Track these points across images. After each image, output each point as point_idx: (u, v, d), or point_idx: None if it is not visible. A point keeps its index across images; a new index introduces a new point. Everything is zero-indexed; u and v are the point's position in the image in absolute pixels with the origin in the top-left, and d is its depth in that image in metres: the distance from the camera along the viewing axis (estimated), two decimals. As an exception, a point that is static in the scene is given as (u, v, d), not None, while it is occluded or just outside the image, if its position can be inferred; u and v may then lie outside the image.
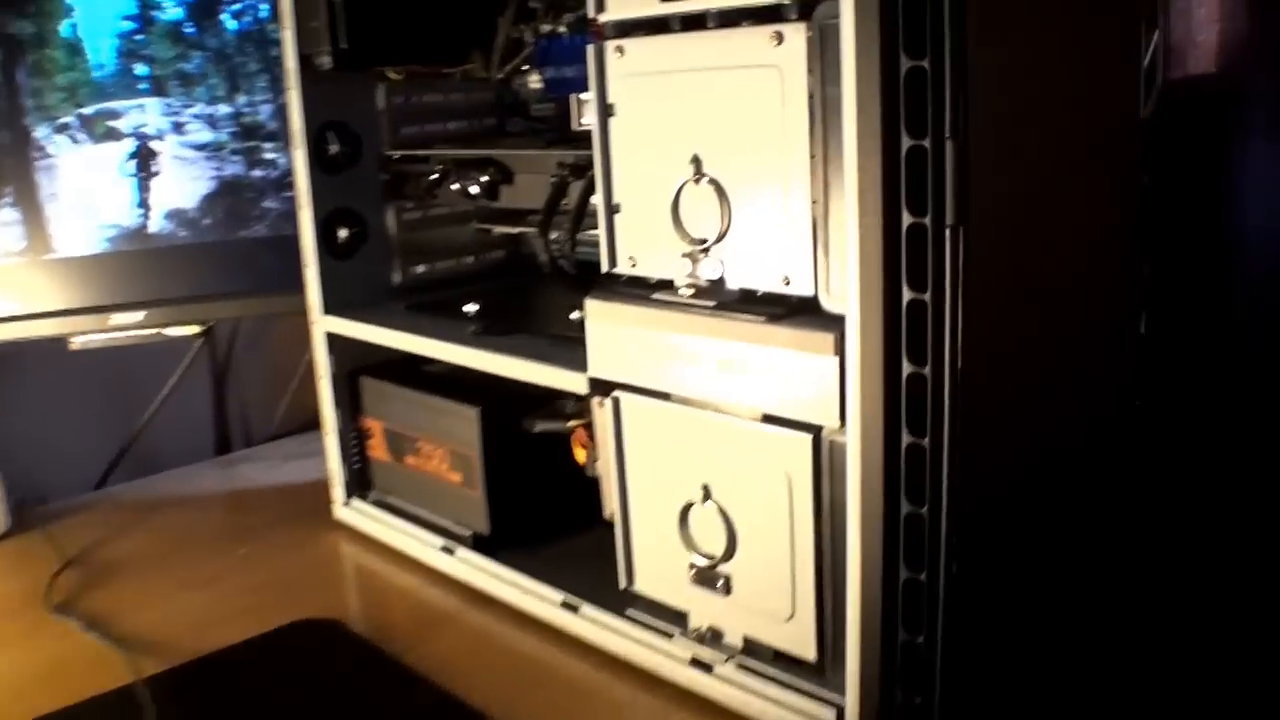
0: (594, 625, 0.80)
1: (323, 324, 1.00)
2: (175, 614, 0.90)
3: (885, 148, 0.52)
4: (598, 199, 0.71)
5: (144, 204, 1.11)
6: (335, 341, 1.00)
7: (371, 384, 1.01)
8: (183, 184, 1.11)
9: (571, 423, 0.80)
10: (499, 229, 1.08)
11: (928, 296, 0.53)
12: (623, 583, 0.77)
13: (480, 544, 0.92)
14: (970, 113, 0.51)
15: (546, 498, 0.94)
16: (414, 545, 0.97)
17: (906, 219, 0.52)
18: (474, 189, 0.90)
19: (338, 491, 1.05)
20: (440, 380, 0.97)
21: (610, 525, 0.77)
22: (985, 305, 0.54)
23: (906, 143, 0.52)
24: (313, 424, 1.39)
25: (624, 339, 0.71)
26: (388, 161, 1.02)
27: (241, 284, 1.12)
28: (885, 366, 0.54)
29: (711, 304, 0.65)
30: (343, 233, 1.01)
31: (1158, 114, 0.64)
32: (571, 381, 0.76)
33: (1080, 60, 0.63)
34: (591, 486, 0.80)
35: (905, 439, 0.55)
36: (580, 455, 0.82)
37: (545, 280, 1.08)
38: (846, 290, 0.55)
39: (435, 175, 0.94)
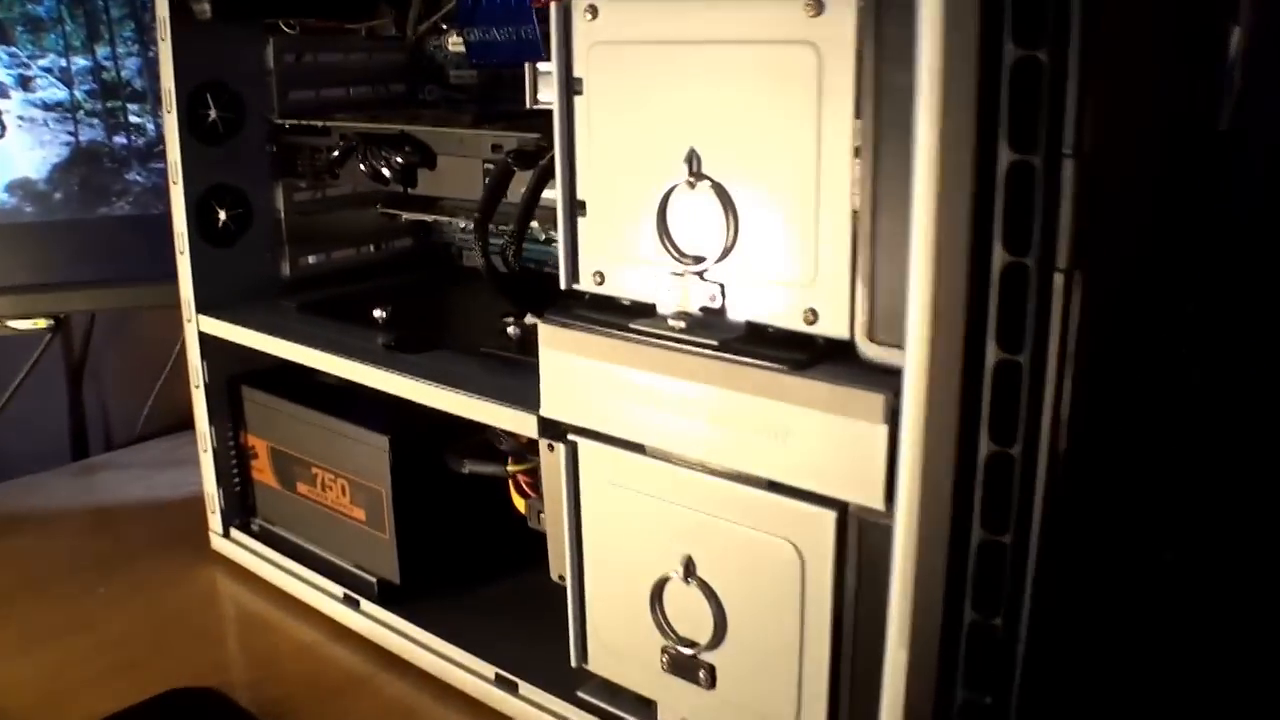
0: (535, 709, 0.66)
1: (198, 324, 0.83)
2: (12, 679, 0.74)
3: (978, 162, 0.39)
4: (556, 195, 0.57)
5: (-22, 173, 0.92)
6: (212, 344, 0.84)
7: (255, 396, 0.85)
8: (29, 150, 0.92)
9: (512, 467, 0.66)
10: (408, 215, 0.92)
11: (1024, 358, 0.40)
12: (573, 659, 0.63)
13: (388, 594, 0.77)
14: (1098, 122, 0.38)
15: (468, 541, 0.80)
16: (309, 593, 0.81)
17: (1001, 257, 0.39)
18: (386, 171, 0.74)
19: (215, 520, 0.89)
20: (339, 396, 0.82)
21: (550, 582, 0.62)
22: (1095, 370, 0.41)
23: (1008, 157, 0.39)
24: (182, 425, 1.22)
25: (588, 375, 0.57)
26: (277, 131, 0.86)
27: (100, 271, 0.94)
28: (959, 443, 0.41)
29: (712, 343, 0.51)
30: (222, 215, 0.85)
31: (1236, 124, 0.52)
32: (517, 422, 0.61)
33: (1161, 59, 0.51)
34: (526, 530, 0.67)
35: (978, 534, 0.42)
36: (519, 504, 0.68)
37: (464, 280, 0.94)
38: (907, 340, 0.42)
39: (337, 152, 0.78)
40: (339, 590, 0.79)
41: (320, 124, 0.80)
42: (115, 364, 1.18)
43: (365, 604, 0.77)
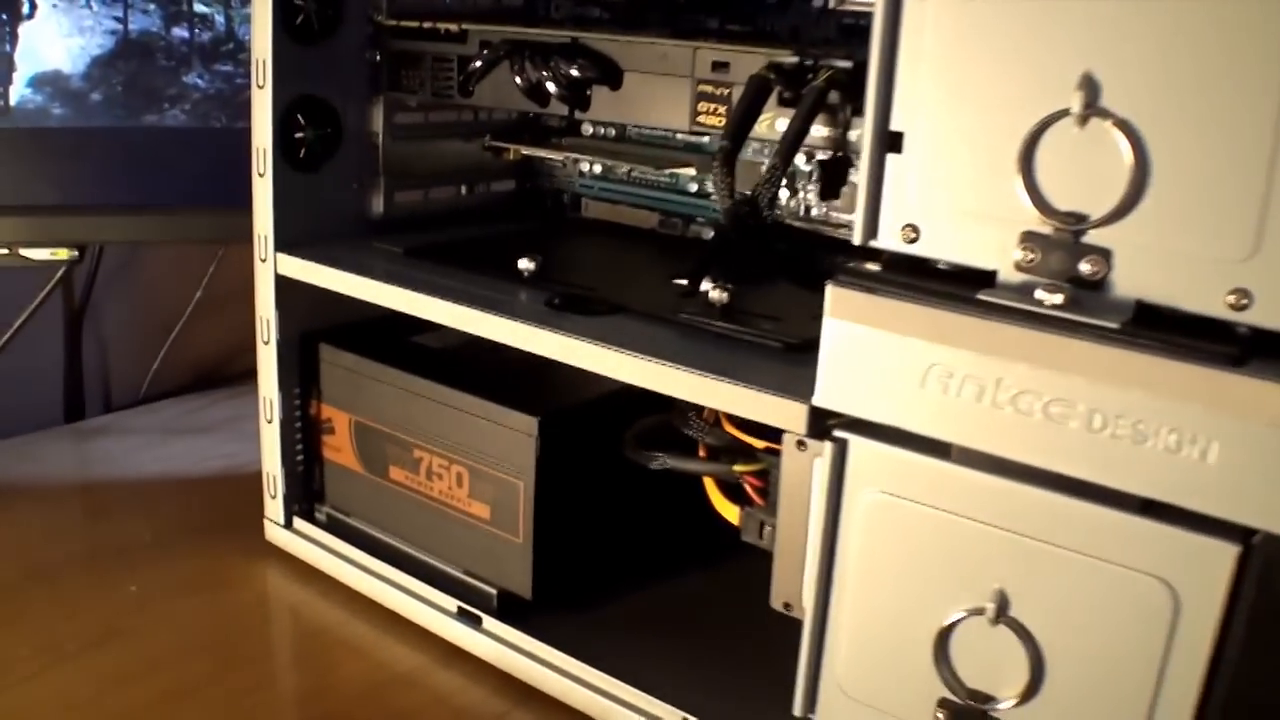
0: None
1: (275, 265, 0.67)
2: (26, 710, 0.58)
3: None
4: (863, 131, 0.43)
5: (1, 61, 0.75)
6: (285, 292, 0.68)
7: (339, 358, 0.69)
8: (64, 38, 0.75)
9: (741, 467, 0.51)
10: (524, 150, 0.77)
11: None
12: (797, 708, 0.50)
13: (510, 609, 0.62)
14: None
15: (616, 547, 0.65)
16: (406, 604, 0.66)
17: None
18: (551, 86, 0.59)
19: (275, 507, 0.72)
20: (445, 361, 0.67)
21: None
22: None
23: None
24: (195, 385, 1.05)
25: (892, 356, 0.43)
26: (384, 35, 0.70)
27: (143, 194, 0.77)
28: None
29: (1110, 325, 0.38)
30: (304, 133, 0.68)
31: None
32: (778, 413, 0.47)
33: None
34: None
35: None
36: (727, 511, 0.54)
37: (586, 233, 0.79)
38: None
39: (479, 62, 0.63)
40: (450, 603, 0.64)
41: (456, 27, 0.65)
42: (119, 312, 1.00)
43: (489, 622, 0.62)
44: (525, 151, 0.76)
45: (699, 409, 0.54)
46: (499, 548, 0.63)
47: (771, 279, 0.64)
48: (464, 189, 0.79)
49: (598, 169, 0.78)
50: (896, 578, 0.47)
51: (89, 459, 0.88)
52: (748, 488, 0.52)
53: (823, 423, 0.47)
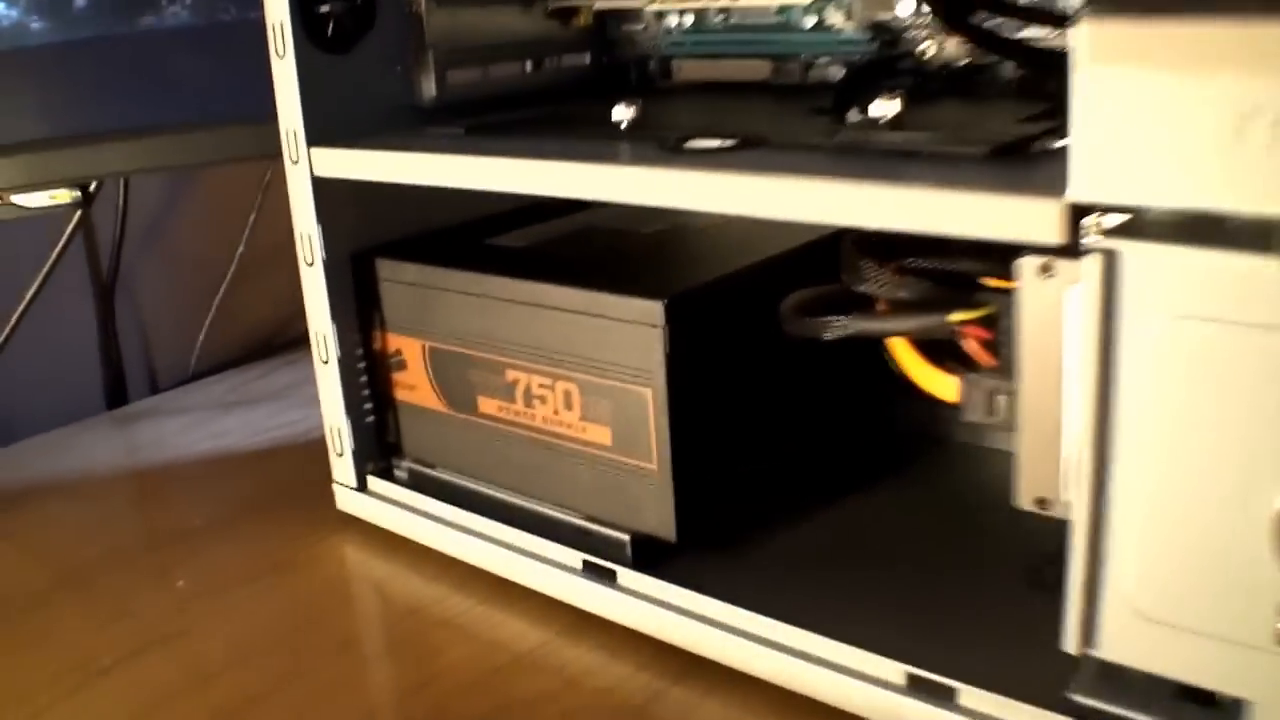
0: None
1: (310, 164, 0.53)
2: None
3: None
4: None
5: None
6: (326, 200, 0.54)
7: (402, 272, 0.55)
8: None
9: (960, 315, 0.36)
10: (596, 5, 0.62)
11: None
12: (1070, 641, 0.35)
13: (650, 557, 0.48)
14: None
15: (771, 463, 0.51)
16: (518, 565, 0.52)
17: None
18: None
19: (343, 466, 0.59)
20: (531, 259, 0.53)
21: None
22: None
23: None
24: (250, 355, 0.92)
25: (1192, 107, 0.29)
26: None
27: (146, 114, 0.63)
28: None
29: None
30: (330, 5, 0.54)
31: None
32: (1017, 219, 0.32)
33: None
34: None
35: None
36: (942, 384, 0.39)
37: (701, 92, 0.64)
38: None
39: None
40: (573, 558, 0.49)
41: None
42: (154, 282, 0.88)
43: (626, 575, 0.48)
44: (599, 5, 0.62)
45: (877, 257, 0.40)
46: (628, 480, 0.49)
47: (933, 98, 0.50)
48: (529, 66, 0.64)
49: (689, 20, 0.64)
50: (1213, 440, 0.32)
51: (131, 446, 0.76)
52: (970, 345, 0.37)
53: (1076, 233, 0.32)
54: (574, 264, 0.52)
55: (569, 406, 0.50)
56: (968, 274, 0.38)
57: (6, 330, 0.75)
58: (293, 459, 0.70)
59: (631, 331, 0.46)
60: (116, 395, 0.86)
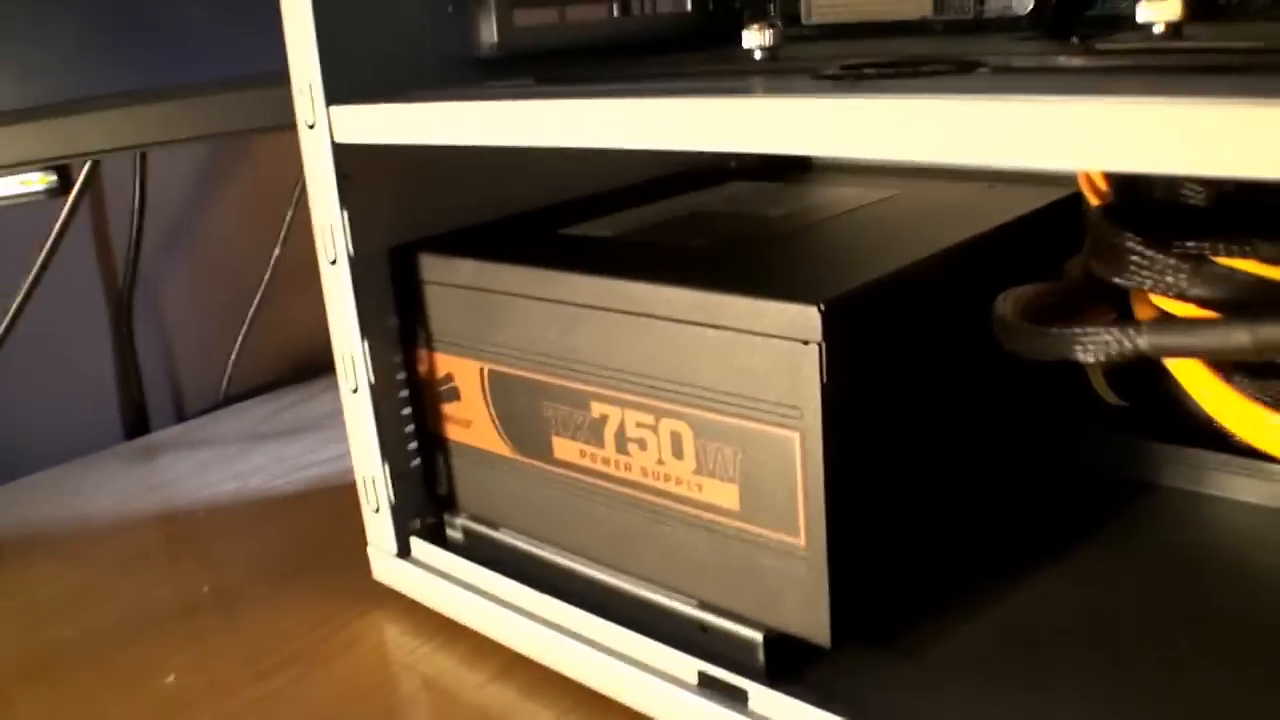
0: None
1: (330, 127, 0.40)
2: None
3: None
4: None
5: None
6: (358, 177, 0.40)
7: (451, 271, 0.41)
8: None
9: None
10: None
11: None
12: None
13: (787, 663, 0.33)
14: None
15: (954, 531, 0.37)
16: (608, 669, 0.37)
17: None
18: None
19: (380, 526, 0.45)
20: (624, 253, 0.39)
21: None
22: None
23: None
24: (290, 378, 0.79)
25: None
26: None
27: (141, 76, 0.50)
28: None
29: None
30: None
31: None
32: None
33: None
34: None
35: None
36: (1268, 433, 0.23)
37: (842, 34, 0.50)
38: None
39: None
40: (685, 667, 0.35)
41: None
42: (179, 294, 0.75)
43: (760, 696, 0.33)
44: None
45: (1149, 235, 0.25)
46: (762, 559, 0.34)
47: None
48: (615, 8, 0.50)
49: (822, -54, 0.49)
50: None
51: (141, 487, 0.63)
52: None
53: None
54: (683, 258, 0.38)
55: (679, 455, 0.36)
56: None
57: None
58: (328, 507, 0.56)
59: (772, 350, 0.32)
60: (137, 423, 0.73)
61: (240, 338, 0.76)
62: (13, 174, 0.49)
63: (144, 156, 0.69)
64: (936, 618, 0.37)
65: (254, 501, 0.59)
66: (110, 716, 0.41)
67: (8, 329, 0.63)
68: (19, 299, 0.62)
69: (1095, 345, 0.26)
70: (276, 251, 0.75)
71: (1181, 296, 0.26)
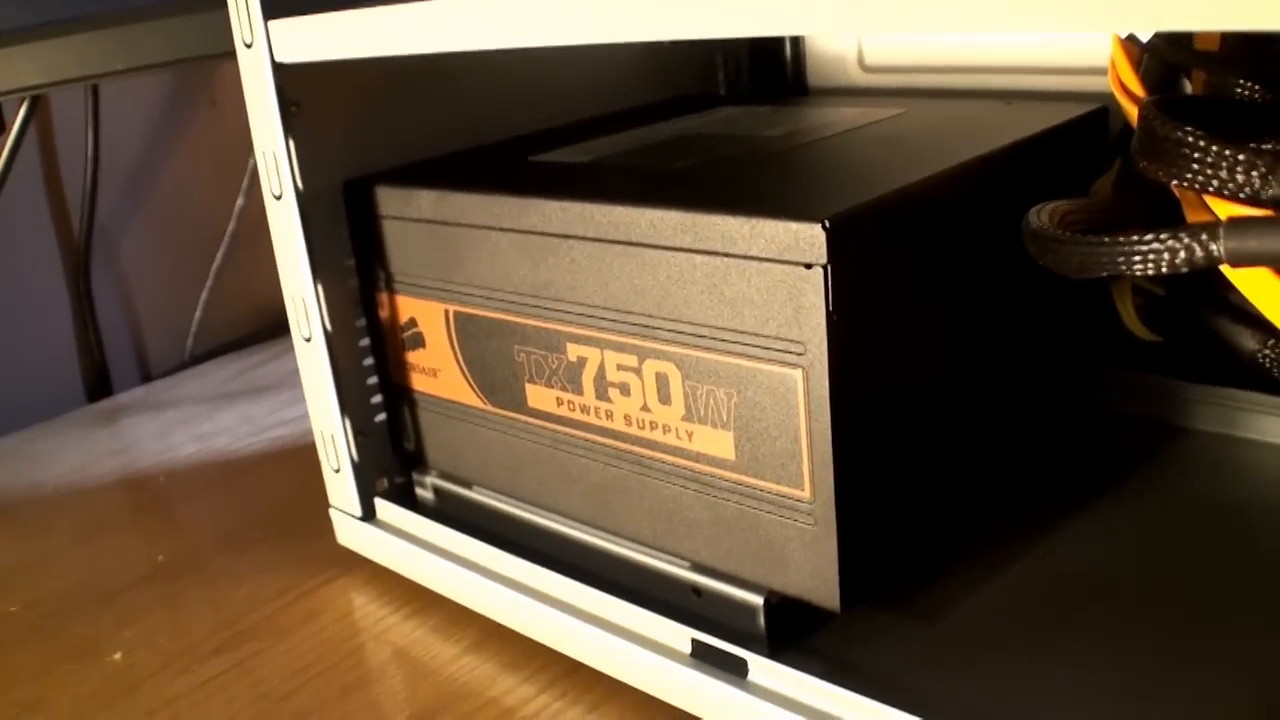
0: None
1: (269, 46, 0.35)
2: None
3: None
4: None
5: None
6: (305, 103, 0.36)
7: (410, 203, 0.37)
8: None
9: None
10: None
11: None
12: None
13: (792, 629, 0.29)
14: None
15: (973, 480, 0.33)
16: (593, 640, 0.33)
17: None
18: None
19: (342, 487, 0.41)
20: (600, 177, 0.34)
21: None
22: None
23: None
24: (259, 335, 0.75)
25: None
26: None
27: (45, 3, 0.46)
28: None
29: None
30: None
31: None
32: None
33: None
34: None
35: None
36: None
37: None
38: None
39: None
40: (678, 636, 0.31)
41: None
42: (137, 250, 0.70)
43: (758, 666, 0.29)
44: None
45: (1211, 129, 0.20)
46: (762, 515, 0.30)
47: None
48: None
49: None
50: None
51: (98, 452, 0.59)
52: None
53: None
54: (669, 180, 0.34)
55: (666, 400, 0.31)
56: None
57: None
58: (294, 468, 0.52)
59: (770, 276, 0.28)
60: (98, 385, 0.69)
61: (205, 293, 0.72)
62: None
63: (95, 94, 0.64)
64: (952, 578, 0.33)
65: (217, 464, 0.56)
66: (49, 699, 0.38)
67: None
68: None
69: (1158, 255, 0.22)
70: (240, 202, 0.70)
71: (1254, 199, 0.22)
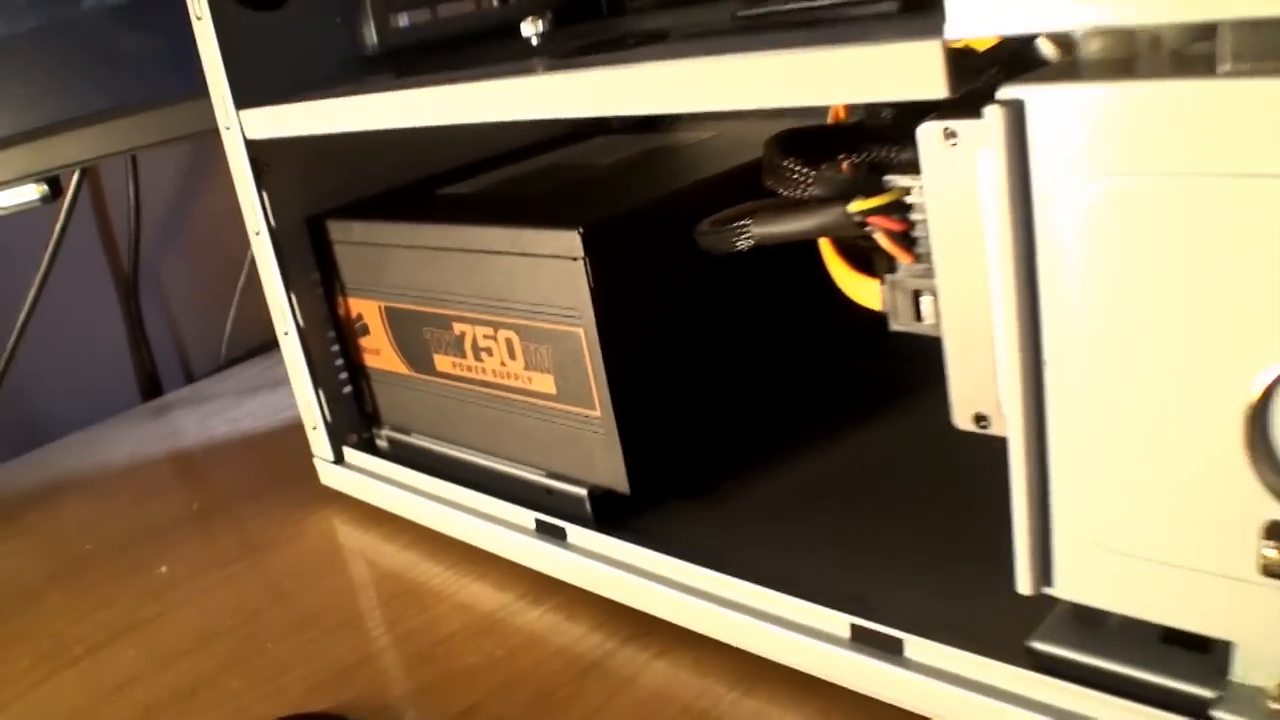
0: (937, 681, 0.33)
1: (241, 128, 0.51)
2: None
3: None
4: None
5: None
6: (275, 165, 0.52)
7: (350, 231, 0.52)
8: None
9: (860, 205, 0.32)
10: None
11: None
12: (1022, 581, 0.30)
13: (609, 511, 0.44)
14: None
15: (721, 403, 0.47)
16: (477, 529, 0.49)
17: None
18: None
19: (319, 440, 0.56)
20: (473, 205, 0.50)
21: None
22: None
23: None
24: (273, 342, 0.91)
25: None
26: None
27: (108, 95, 0.62)
28: None
29: None
30: (258, -42, 0.52)
31: None
32: (904, 68, 0.27)
33: None
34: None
35: None
36: (864, 289, 0.34)
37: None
38: None
39: None
40: (527, 518, 0.46)
41: None
42: (177, 273, 0.87)
43: (575, 534, 0.44)
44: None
45: (802, 156, 0.35)
46: (578, 431, 0.45)
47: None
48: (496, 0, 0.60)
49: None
50: (1162, 321, 0.26)
51: (151, 437, 0.75)
52: (882, 240, 0.32)
53: (968, 77, 0.27)
54: (511, 204, 0.49)
55: (512, 356, 0.47)
56: (885, 161, 0.33)
57: (16, 331, 0.74)
58: (300, 439, 0.68)
59: (556, 267, 0.43)
60: (150, 388, 0.86)
61: (233, 308, 0.88)
62: (7, 189, 0.61)
63: (134, 161, 0.80)
64: (743, 476, 0.46)
65: (242, 440, 0.71)
66: (116, 602, 0.53)
67: (28, 316, 0.75)
68: (34, 290, 0.74)
69: (737, 236, 0.37)
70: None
71: (803, 197, 0.36)
